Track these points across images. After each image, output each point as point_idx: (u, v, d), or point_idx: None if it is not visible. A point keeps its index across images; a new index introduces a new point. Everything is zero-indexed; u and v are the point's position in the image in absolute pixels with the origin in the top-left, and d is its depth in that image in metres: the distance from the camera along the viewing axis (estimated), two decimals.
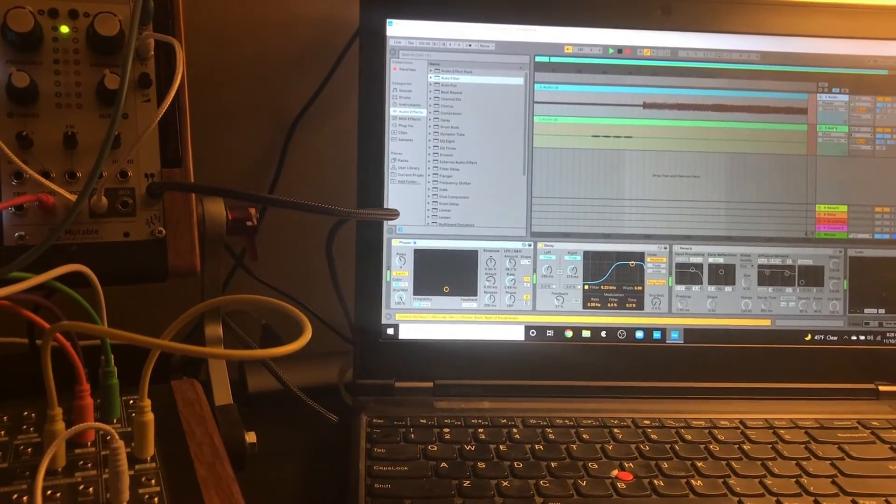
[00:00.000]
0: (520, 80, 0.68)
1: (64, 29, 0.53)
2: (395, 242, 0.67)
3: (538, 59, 0.68)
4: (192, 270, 0.55)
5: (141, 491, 0.43)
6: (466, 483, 0.54)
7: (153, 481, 0.44)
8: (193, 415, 0.52)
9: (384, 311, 0.67)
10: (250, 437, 0.56)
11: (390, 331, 0.67)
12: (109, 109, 0.54)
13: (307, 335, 0.38)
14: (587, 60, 0.69)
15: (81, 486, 0.43)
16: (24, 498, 0.41)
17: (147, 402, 0.45)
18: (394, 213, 0.63)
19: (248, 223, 0.59)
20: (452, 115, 0.68)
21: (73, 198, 0.50)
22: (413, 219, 0.67)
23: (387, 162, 0.67)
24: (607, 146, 0.68)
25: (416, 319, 0.67)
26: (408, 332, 0.68)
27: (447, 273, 0.67)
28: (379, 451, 0.57)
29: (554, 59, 0.68)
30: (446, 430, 0.60)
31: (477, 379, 0.67)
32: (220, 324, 0.61)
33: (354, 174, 0.67)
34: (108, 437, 0.45)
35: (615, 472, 0.56)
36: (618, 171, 0.68)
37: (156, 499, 0.43)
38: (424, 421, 0.62)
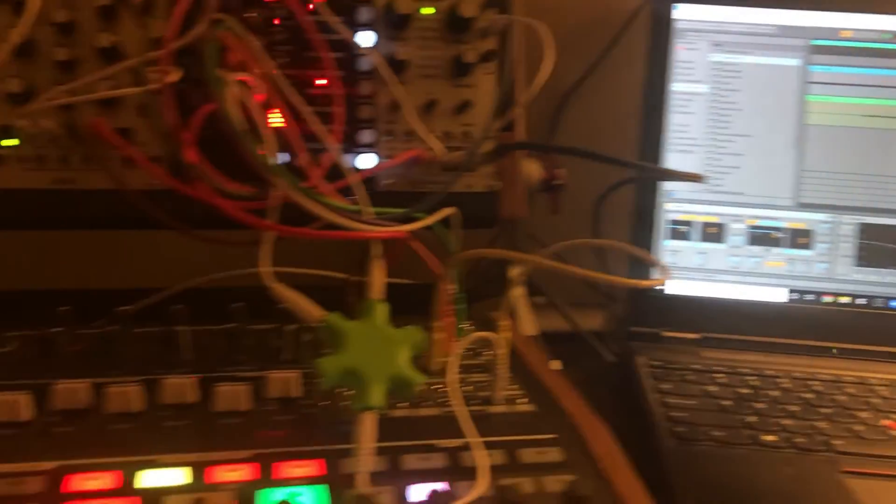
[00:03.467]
0: (795, 62, 0.73)
1: (428, 11, 0.63)
2: (667, 206, 0.74)
3: (814, 42, 0.73)
4: (519, 218, 0.64)
5: (506, 394, 0.53)
6: (751, 418, 0.61)
7: (515, 386, 0.54)
8: (518, 339, 0.62)
9: (655, 267, 0.75)
10: (555, 365, 0.65)
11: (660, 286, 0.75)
12: (461, 80, 0.63)
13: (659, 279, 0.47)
14: (862, 44, 0.73)
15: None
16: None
17: (508, 322, 0.55)
18: (698, 177, 0.70)
19: (556, 182, 0.67)
20: (730, 91, 0.74)
21: (441, 153, 0.61)
22: (687, 184, 0.74)
23: (667, 132, 0.74)
24: (878, 126, 0.73)
25: (684, 276, 0.74)
26: (676, 288, 0.75)
27: (713, 238, 0.74)
28: (665, 387, 0.65)
29: (830, 43, 0.73)
30: (718, 375, 0.68)
31: (740, 334, 0.73)
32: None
33: (623, 145, 0.74)
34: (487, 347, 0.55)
35: (884, 422, 0.61)
36: (886, 151, 0.73)
37: (519, 397, 0.53)
38: (697, 366, 0.69)
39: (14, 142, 0.57)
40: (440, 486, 0.43)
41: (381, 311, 0.48)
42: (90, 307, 0.59)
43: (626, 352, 0.72)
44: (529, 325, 0.68)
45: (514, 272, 0.72)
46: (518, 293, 0.66)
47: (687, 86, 0.74)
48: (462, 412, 0.47)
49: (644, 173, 0.64)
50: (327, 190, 0.50)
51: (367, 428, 0.44)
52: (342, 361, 0.46)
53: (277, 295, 0.48)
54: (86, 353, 0.54)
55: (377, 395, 0.45)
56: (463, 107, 0.63)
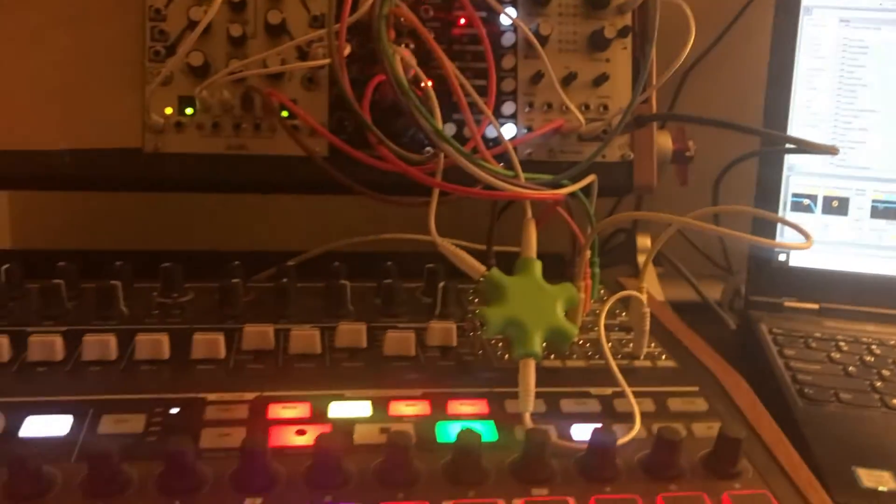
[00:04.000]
0: None
1: None
2: (792, 179, 0.76)
3: None
4: (651, 187, 0.68)
5: (647, 350, 0.57)
6: (878, 383, 0.63)
7: (654, 344, 0.58)
8: (652, 302, 0.65)
9: (778, 238, 0.77)
10: None
11: (782, 256, 0.77)
12: (598, 54, 0.67)
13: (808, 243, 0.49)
14: None
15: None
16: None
17: (645, 285, 0.58)
18: (833, 149, 0.72)
19: (687, 153, 0.70)
20: (857, 67, 0.75)
21: (583, 123, 0.64)
22: (811, 159, 0.76)
23: (793, 108, 0.76)
24: None
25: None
26: (798, 259, 0.77)
27: (836, 211, 0.76)
28: (789, 352, 0.68)
29: None
30: (840, 342, 0.69)
31: (861, 305, 0.75)
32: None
33: (744, 119, 0.76)
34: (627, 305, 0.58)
35: None
36: None
37: (660, 354, 0.56)
38: (819, 334, 0.71)
39: (192, 111, 0.63)
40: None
41: (537, 268, 0.52)
42: (256, 265, 0.65)
43: (748, 320, 0.75)
44: (656, 291, 0.71)
45: (645, 240, 0.76)
46: (647, 260, 0.69)
47: (813, 61, 0.75)
48: (612, 364, 0.50)
49: (781, 144, 0.66)
50: (485, 156, 0.54)
51: (529, 372, 0.48)
52: (504, 311, 0.50)
53: (444, 250, 0.52)
54: (258, 302, 0.60)
55: (537, 343, 0.49)
56: (600, 80, 0.67)
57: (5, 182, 0.66)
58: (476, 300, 0.63)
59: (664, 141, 0.70)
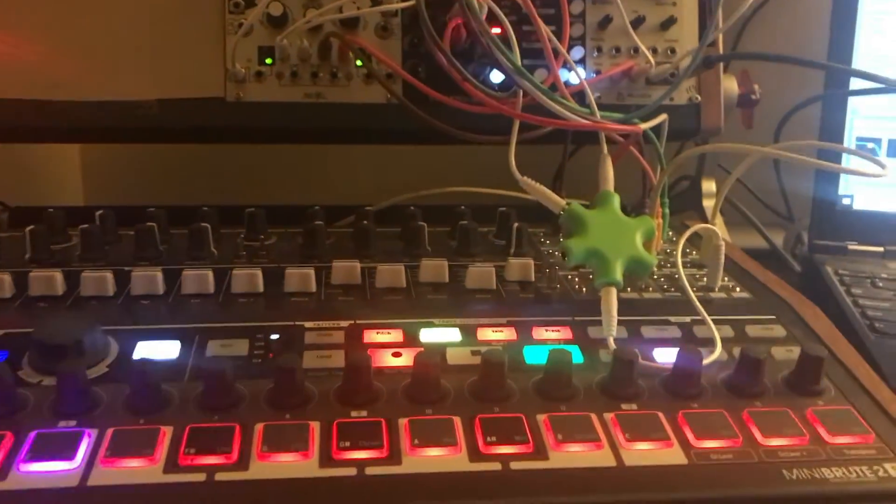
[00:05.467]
0: None
1: None
2: (856, 123, 0.76)
3: None
4: (718, 130, 0.68)
5: (721, 283, 0.58)
6: None
7: (726, 278, 0.59)
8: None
9: (841, 183, 0.77)
10: None
11: (846, 200, 0.77)
12: None
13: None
14: None
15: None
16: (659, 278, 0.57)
17: (719, 219, 0.59)
18: None
19: (753, 97, 0.71)
20: None
21: (653, 65, 0.65)
22: (875, 101, 0.76)
23: (857, 53, 0.76)
24: None
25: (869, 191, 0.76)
26: (861, 203, 0.77)
27: None
28: (857, 291, 0.68)
29: None
30: None
31: None
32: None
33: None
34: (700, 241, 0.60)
35: None
36: None
37: (734, 286, 0.58)
38: (885, 275, 0.72)
39: (271, 61, 0.65)
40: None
41: (615, 200, 0.54)
42: (331, 218, 0.67)
43: (813, 263, 0.75)
44: (722, 233, 0.72)
45: (710, 185, 0.77)
46: (714, 204, 0.70)
47: (879, 4, 0.75)
48: (690, 292, 0.52)
49: (847, 83, 0.66)
50: (564, 93, 0.56)
51: (611, 299, 0.50)
52: (586, 242, 0.51)
53: (525, 185, 0.54)
54: (340, 245, 0.62)
55: (618, 272, 0.50)
56: (668, 23, 0.67)
57: (91, 135, 0.68)
58: (548, 241, 0.65)
59: (730, 84, 0.70)
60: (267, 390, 0.43)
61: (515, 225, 0.62)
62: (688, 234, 0.55)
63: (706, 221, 0.74)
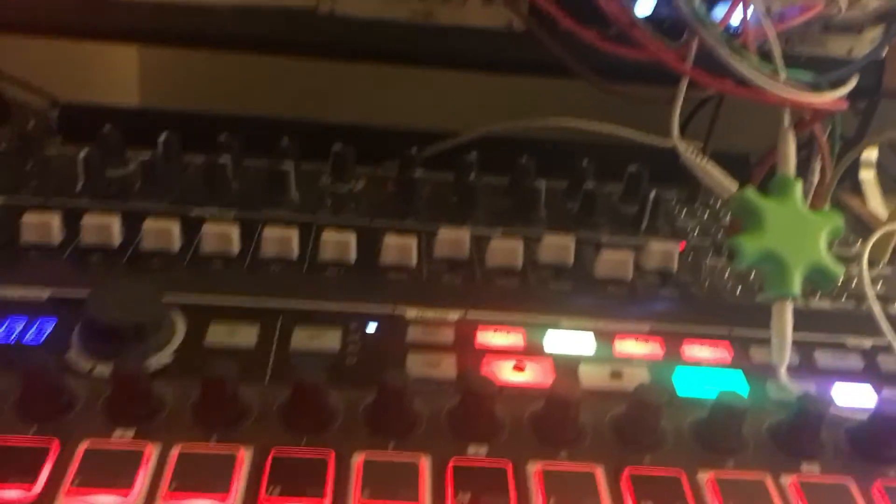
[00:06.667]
0: None
1: None
2: None
3: None
4: None
5: None
6: None
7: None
8: None
9: None
10: None
11: None
12: None
13: None
14: None
15: None
16: None
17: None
18: None
19: None
20: None
21: (843, 8, 0.53)
22: None
23: None
24: None
25: None
26: None
27: None
28: None
29: None
30: None
31: None
32: None
33: None
34: None
35: None
36: None
37: None
38: None
39: None
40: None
41: (797, 189, 0.43)
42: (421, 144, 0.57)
43: None
44: (879, 207, 0.61)
45: (871, 153, 0.65)
46: (870, 176, 0.59)
47: None
48: (879, 312, 0.42)
49: None
50: (746, 42, 0.44)
51: (786, 318, 0.40)
52: (763, 242, 0.41)
53: (689, 163, 0.43)
54: (439, 198, 0.53)
55: (797, 283, 0.40)
56: None
57: (159, 36, 0.58)
58: (684, 212, 0.55)
59: None
60: (365, 406, 0.35)
61: (652, 195, 0.52)
62: (875, 236, 0.45)
63: (860, 196, 0.63)
